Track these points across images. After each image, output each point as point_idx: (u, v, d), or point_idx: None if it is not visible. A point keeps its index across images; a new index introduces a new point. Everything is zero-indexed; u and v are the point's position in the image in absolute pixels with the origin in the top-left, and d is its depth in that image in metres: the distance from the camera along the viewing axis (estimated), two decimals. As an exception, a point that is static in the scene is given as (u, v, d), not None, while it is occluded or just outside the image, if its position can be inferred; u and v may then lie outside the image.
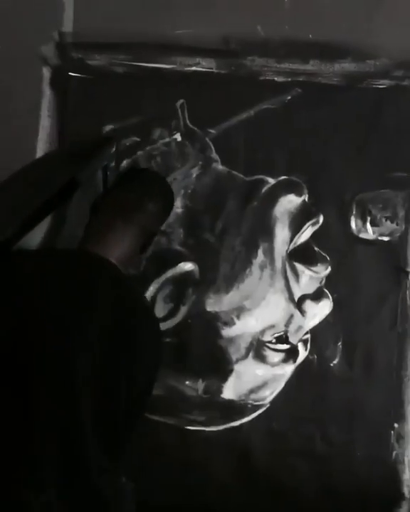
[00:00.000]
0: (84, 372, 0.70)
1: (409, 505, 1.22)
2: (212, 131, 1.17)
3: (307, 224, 1.16)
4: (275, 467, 1.16)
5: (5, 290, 0.74)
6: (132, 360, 0.74)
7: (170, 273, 1.06)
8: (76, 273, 0.76)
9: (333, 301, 1.19)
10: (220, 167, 1.15)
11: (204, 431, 1.14)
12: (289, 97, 1.18)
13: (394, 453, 1.20)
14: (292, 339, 1.14)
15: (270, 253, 1.12)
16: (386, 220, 1.28)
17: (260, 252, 1.12)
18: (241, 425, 1.16)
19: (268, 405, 1.17)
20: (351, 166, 1.21)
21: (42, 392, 0.69)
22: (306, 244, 1.17)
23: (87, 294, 0.75)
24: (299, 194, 1.15)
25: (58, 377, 0.70)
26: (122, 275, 0.81)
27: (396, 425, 1.21)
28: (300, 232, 1.15)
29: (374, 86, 1.18)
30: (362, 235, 1.24)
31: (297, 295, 1.15)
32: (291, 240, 1.15)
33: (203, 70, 1.18)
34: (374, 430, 1.22)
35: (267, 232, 1.13)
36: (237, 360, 1.11)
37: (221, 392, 1.12)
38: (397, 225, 1.27)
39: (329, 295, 1.18)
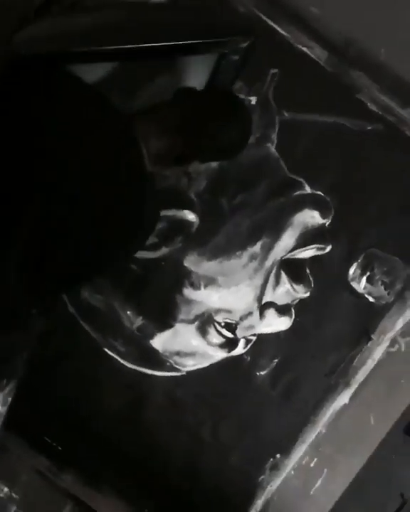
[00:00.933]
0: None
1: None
2: (286, 114, 1.18)
3: (314, 246, 1.17)
4: (159, 425, 1.19)
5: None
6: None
7: (172, 212, 1.07)
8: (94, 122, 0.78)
9: (293, 323, 1.21)
10: (273, 149, 1.16)
11: (117, 361, 1.17)
12: (369, 127, 1.19)
13: (261, 477, 1.23)
14: (239, 333, 1.16)
15: (266, 250, 1.14)
16: (381, 284, 1.30)
17: (259, 244, 1.13)
18: (151, 375, 1.19)
19: (184, 373, 1.19)
20: (385, 222, 1.22)
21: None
22: (301, 262, 1.19)
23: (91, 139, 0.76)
24: (324, 216, 1.16)
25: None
26: (137, 148, 0.80)
27: (278, 455, 1.24)
28: (304, 248, 1.16)
29: None
30: (353, 284, 1.26)
31: (266, 299, 1.17)
32: (292, 250, 1.16)
33: (312, 56, 1.17)
34: (257, 450, 1.24)
35: (275, 231, 1.14)
36: (182, 321, 1.13)
37: (151, 338, 1.14)
38: (388, 294, 1.29)
39: (293, 316, 1.20)
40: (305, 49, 1.16)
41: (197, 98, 0.89)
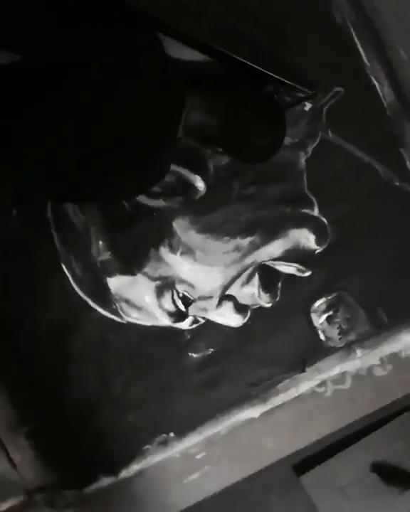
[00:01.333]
0: None
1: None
2: (330, 134, 1.18)
3: (296, 266, 1.19)
4: (78, 360, 1.23)
5: None
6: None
7: (185, 172, 1.09)
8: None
9: (244, 324, 1.23)
10: (303, 160, 1.17)
11: (69, 281, 1.20)
12: (397, 183, 1.21)
13: (147, 447, 1.25)
14: (191, 310, 1.18)
15: (252, 248, 1.15)
16: (337, 328, 1.32)
17: (248, 239, 1.15)
18: (93, 309, 1.22)
19: (124, 322, 1.22)
20: (372, 274, 1.24)
21: None
22: (277, 274, 1.21)
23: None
24: (319, 243, 1.18)
25: None
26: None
27: (171, 434, 1.26)
28: (286, 263, 1.18)
29: None
30: (313, 316, 1.28)
31: (230, 291, 1.18)
32: (274, 259, 1.17)
33: (380, 92, 1.18)
34: (156, 420, 1.26)
35: (268, 235, 1.16)
36: (145, 274, 1.16)
37: (110, 276, 1.17)
38: (339, 339, 1.31)
39: (246, 318, 1.22)
40: (376, 83, 1.17)
41: (246, 96, 0.91)
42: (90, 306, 1.18)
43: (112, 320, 1.19)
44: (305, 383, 1.26)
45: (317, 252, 1.21)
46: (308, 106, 1.12)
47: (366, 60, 1.15)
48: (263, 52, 0.92)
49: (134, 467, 1.24)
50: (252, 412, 1.26)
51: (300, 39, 1.09)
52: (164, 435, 1.24)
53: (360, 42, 1.14)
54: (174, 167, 1.04)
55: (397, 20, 1.13)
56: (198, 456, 1.25)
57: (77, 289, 1.17)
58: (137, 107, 0.78)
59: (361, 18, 1.13)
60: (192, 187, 1.11)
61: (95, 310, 1.19)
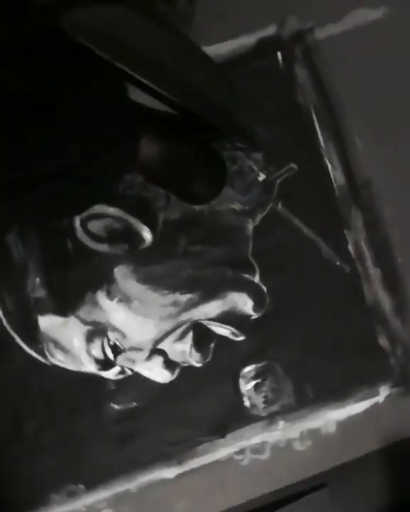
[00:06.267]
0: None
1: None
2: (280, 207, 1.19)
3: (231, 329, 1.17)
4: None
5: None
6: None
7: (134, 221, 1.07)
8: None
9: (171, 381, 1.19)
10: (250, 228, 1.18)
11: None
12: (338, 263, 1.22)
13: (53, 495, 1.17)
14: (120, 360, 1.14)
15: (189, 305, 1.14)
16: (263, 397, 1.28)
17: (187, 296, 1.14)
18: (19, 346, 1.15)
19: (48, 364, 1.16)
20: (305, 346, 1.22)
21: None
22: (212, 335, 1.18)
23: None
24: (256, 310, 1.17)
25: None
26: None
27: (81, 486, 1.18)
28: (220, 325, 1.16)
29: None
30: (241, 381, 1.25)
31: (162, 346, 1.16)
32: (210, 320, 1.16)
33: (331, 173, 1.20)
34: (67, 468, 1.19)
35: (206, 295, 1.15)
36: (77, 317, 1.13)
37: (41, 314, 1.13)
38: (263, 408, 1.27)
39: (175, 375, 1.18)
40: (329, 165, 1.19)
41: (191, 141, 0.85)
42: (15, 342, 1.12)
43: (36, 360, 1.13)
44: (223, 450, 1.21)
45: (252, 318, 1.18)
46: (262, 177, 1.11)
47: (322, 142, 1.16)
48: (223, 105, 0.89)
49: (34, 516, 1.14)
50: (167, 472, 1.19)
51: (260, 113, 1.10)
52: (73, 485, 1.15)
53: (319, 124, 1.16)
54: (123, 214, 1.02)
55: (357, 111, 1.15)
56: (104, 512, 1.17)
57: (5, 322, 1.11)
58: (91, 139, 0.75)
59: (323, 102, 1.15)
60: (139, 236, 1.09)
61: (20, 347, 1.13)
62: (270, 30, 1.17)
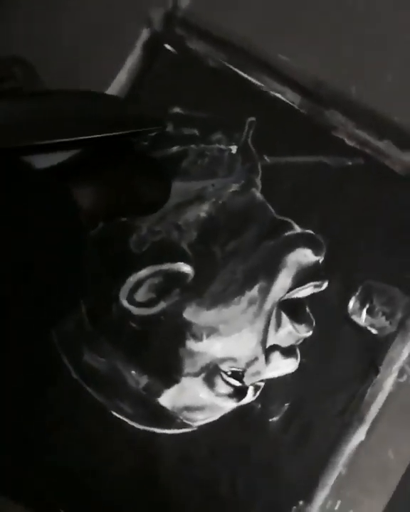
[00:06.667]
0: None
1: None
2: (267, 159, 1.15)
3: (311, 284, 1.12)
4: (172, 486, 1.11)
5: None
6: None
7: (167, 266, 1.03)
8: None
9: (300, 364, 1.15)
10: (258, 194, 1.13)
11: (126, 422, 1.10)
12: (349, 163, 1.18)
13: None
14: (247, 380, 1.11)
15: (264, 293, 1.09)
16: (382, 315, 1.25)
17: (256, 288, 1.09)
18: (161, 434, 1.12)
19: (195, 429, 1.13)
20: (377, 252, 1.19)
21: None
22: (300, 301, 1.14)
23: None
24: (317, 253, 1.12)
25: None
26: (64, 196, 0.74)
27: (300, 502, 1.16)
28: (301, 287, 1.12)
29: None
30: (354, 317, 1.21)
31: (270, 342, 1.11)
32: (289, 290, 1.12)
33: (286, 100, 1.15)
34: (278, 500, 1.16)
35: (270, 273, 1.10)
36: (187, 374, 1.07)
37: (159, 395, 1.08)
38: (390, 324, 1.24)
39: (299, 357, 1.15)
40: (278, 95, 1.13)
41: (119, 162, 0.84)
42: (156, 433, 1.09)
43: (184, 433, 1.09)
44: (387, 381, 1.19)
45: (320, 261, 1.14)
46: (234, 148, 1.08)
47: (257, 82, 1.12)
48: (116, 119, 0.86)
49: None
50: (357, 437, 1.17)
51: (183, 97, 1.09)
52: (295, 507, 1.14)
53: (243, 71, 1.12)
54: (153, 268, 0.98)
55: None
56: (336, 508, 1.15)
57: (136, 425, 1.08)
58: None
59: (222, 52, 1.10)
60: (180, 274, 1.06)
61: (163, 434, 1.09)
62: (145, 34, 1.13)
